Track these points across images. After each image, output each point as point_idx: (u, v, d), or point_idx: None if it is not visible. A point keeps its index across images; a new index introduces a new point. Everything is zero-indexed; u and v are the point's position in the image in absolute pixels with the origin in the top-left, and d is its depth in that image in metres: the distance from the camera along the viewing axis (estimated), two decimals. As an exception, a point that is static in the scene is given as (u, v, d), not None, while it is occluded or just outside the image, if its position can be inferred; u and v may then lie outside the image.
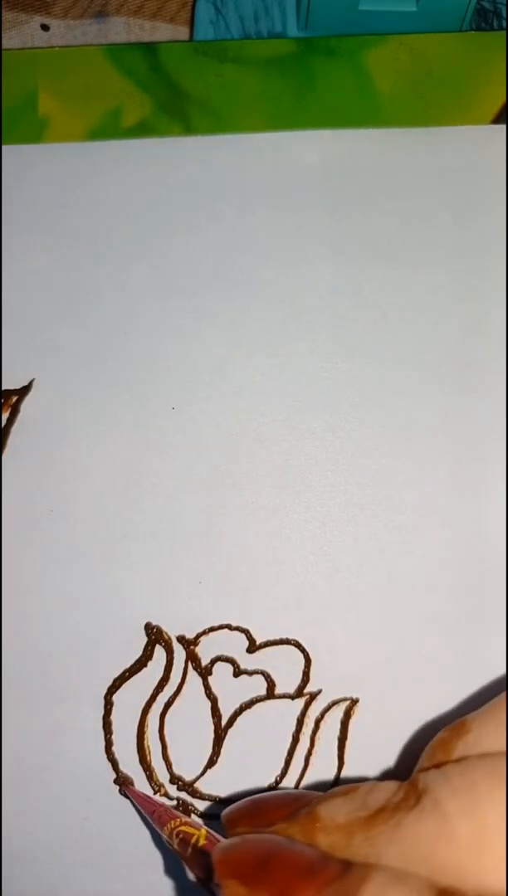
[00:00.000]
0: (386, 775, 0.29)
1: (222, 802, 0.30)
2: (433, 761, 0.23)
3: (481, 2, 0.36)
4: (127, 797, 0.29)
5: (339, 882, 0.19)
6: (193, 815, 0.30)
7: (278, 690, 0.30)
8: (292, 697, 0.30)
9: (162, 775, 0.30)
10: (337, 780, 0.30)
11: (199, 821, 0.28)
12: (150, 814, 0.28)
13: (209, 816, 0.30)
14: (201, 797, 0.30)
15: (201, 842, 0.24)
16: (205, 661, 0.30)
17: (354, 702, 0.30)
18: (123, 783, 0.29)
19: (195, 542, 0.31)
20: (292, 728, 0.30)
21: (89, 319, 0.33)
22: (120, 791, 0.30)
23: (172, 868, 0.29)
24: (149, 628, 0.30)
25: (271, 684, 0.30)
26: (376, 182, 0.33)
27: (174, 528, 0.31)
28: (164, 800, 0.29)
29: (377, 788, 0.22)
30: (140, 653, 0.30)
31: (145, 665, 0.30)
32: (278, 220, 0.33)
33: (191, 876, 0.24)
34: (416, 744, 0.29)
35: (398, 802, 0.21)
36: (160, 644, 0.30)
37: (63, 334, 0.33)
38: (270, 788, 0.30)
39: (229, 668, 0.30)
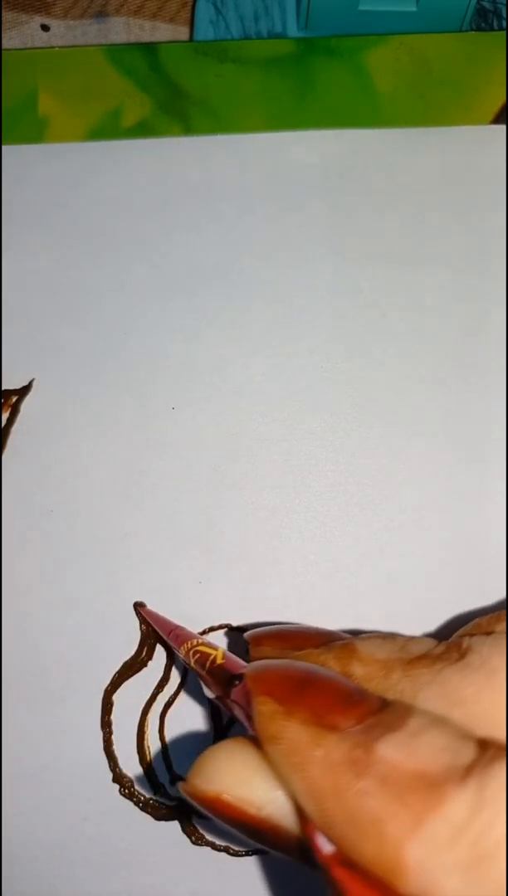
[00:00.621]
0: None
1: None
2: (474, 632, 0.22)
3: (481, 2, 0.36)
4: (141, 616, 0.30)
5: (380, 714, 0.19)
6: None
7: (278, 690, 0.30)
8: (292, 697, 0.30)
9: (162, 775, 0.30)
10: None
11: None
12: (166, 633, 0.27)
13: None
14: (201, 797, 0.30)
15: (219, 660, 0.23)
16: (205, 661, 0.30)
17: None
18: (138, 605, 0.29)
19: (195, 542, 0.31)
20: (292, 728, 0.30)
21: (89, 319, 0.33)
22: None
23: (172, 868, 0.29)
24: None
25: (271, 684, 0.30)
26: (376, 182, 0.33)
27: (174, 528, 0.31)
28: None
29: (416, 639, 0.21)
30: (141, 653, 0.30)
31: (145, 665, 0.30)
32: (278, 220, 0.33)
33: (209, 693, 0.24)
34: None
35: (441, 654, 0.20)
36: (159, 643, 0.30)
37: (63, 334, 0.33)
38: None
39: (229, 668, 0.30)
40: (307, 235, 0.33)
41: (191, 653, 0.25)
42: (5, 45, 0.36)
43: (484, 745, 0.17)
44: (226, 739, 0.21)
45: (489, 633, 0.21)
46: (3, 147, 0.34)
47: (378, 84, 0.34)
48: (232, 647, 0.30)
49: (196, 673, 0.25)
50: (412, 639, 0.22)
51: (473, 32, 0.35)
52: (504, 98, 0.34)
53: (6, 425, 0.32)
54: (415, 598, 0.30)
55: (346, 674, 0.21)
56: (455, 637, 0.21)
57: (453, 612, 0.30)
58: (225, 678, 0.22)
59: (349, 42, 0.34)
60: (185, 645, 0.25)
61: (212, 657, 0.24)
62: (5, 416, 0.32)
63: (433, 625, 0.30)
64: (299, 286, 0.33)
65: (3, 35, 0.36)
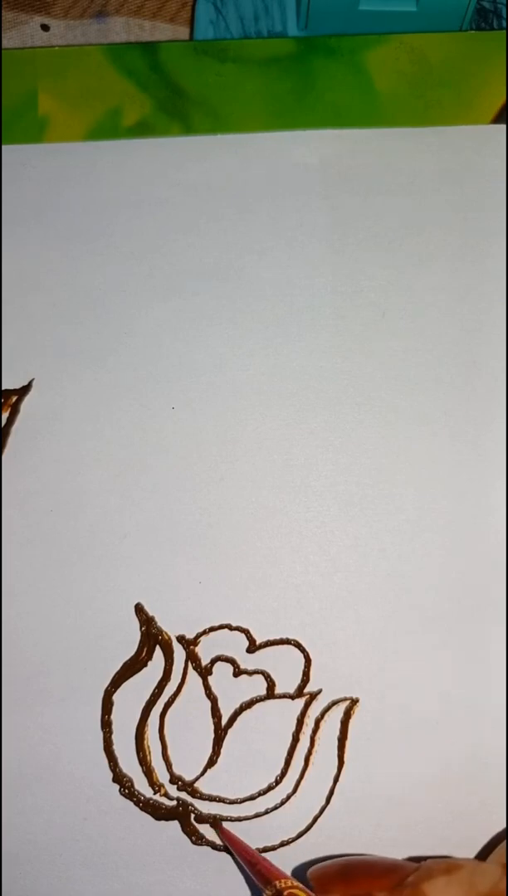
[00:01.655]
0: (386, 777, 0.29)
1: (222, 801, 0.30)
2: None
3: (481, 2, 0.36)
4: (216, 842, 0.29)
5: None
6: (193, 815, 0.30)
7: (278, 690, 0.30)
8: (292, 697, 0.30)
9: (162, 775, 0.30)
10: (337, 780, 0.30)
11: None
12: (249, 864, 0.27)
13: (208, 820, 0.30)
14: (201, 797, 0.30)
15: None
16: (205, 661, 0.30)
17: (354, 702, 0.30)
18: (215, 824, 0.29)
19: (195, 542, 0.31)
20: (292, 728, 0.30)
21: (89, 319, 0.33)
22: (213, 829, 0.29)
23: (172, 868, 0.29)
24: (139, 611, 0.30)
25: (271, 684, 0.30)
26: (376, 182, 0.33)
27: (174, 528, 0.31)
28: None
29: (480, 870, 0.22)
30: (141, 653, 0.30)
31: (145, 665, 0.30)
32: (278, 220, 0.33)
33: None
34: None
35: None
36: (159, 643, 0.30)
37: (63, 334, 0.33)
38: (269, 788, 0.30)
39: (229, 668, 0.30)
40: (307, 235, 0.33)
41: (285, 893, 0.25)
42: (5, 44, 0.36)
43: None
44: None
45: None
46: (3, 147, 0.34)
47: (378, 84, 0.34)
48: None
49: None
50: (476, 869, 0.22)
51: (473, 32, 0.35)
52: (504, 98, 0.34)
53: (6, 425, 0.32)
54: (415, 597, 0.30)
55: None
56: None
57: (453, 611, 0.30)
58: None
59: (348, 42, 0.34)
60: (274, 884, 0.25)
61: None
62: (5, 416, 0.32)
63: (433, 625, 0.30)
64: (299, 286, 0.33)
65: (3, 35, 0.36)
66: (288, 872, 0.28)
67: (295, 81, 0.34)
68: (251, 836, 0.29)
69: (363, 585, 0.31)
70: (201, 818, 0.30)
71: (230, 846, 0.29)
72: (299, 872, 0.29)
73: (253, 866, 0.27)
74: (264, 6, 0.36)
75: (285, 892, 0.25)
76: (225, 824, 0.29)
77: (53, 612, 0.30)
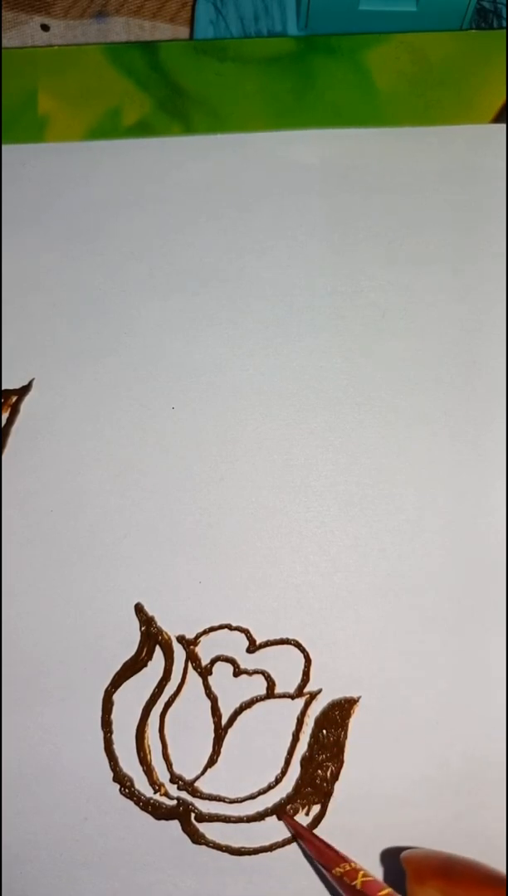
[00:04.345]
0: (386, 777, 0.29)
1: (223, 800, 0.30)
2: None
3: (481, 2, 0.36)
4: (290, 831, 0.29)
5: None
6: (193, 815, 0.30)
7: (278, 690, 0.30)
8: (293, 697, 0.30)
9: (162, 775, 0.30)
10: (336, 778, 0.30)
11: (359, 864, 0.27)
12: (318, 854, 0.27)
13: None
14: (202, 796, 0.30)
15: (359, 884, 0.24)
16: (205, 661, 0.30)
17: (354, 702, 0.30)
18: (283, 814, 0.29)
19: (195, 542, 0.31)
20: (292, 728, 0.30)
21: (89, 319, 0.33)
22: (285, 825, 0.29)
23: (172, 868, 0.29)
24: (139, 611, 0.30)
25: (271, 684, 0.30)
26: (376, 182, 0.33)
27: (174, 528, 0.31)
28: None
29: None
30: (141, 653, 0.30)
31: (145, 665, 0.30)
32: (278, 219, 0.33)
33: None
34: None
35: None
36: (159, 643, 0.30)
37: (63, 334, 0.33)
38: (269, 788, 0.30)
39: (229, 667, 0.30)
40: (307, 235, 0.33)
41: (343, 876, 0.25)
42: (5, 44, 0.36)
43: None
44: None
45: None
46: (3, 146, 0.34)
47: (378, 83, 0.34)
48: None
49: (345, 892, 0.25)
50: None
51: (473, 31, 0.35)
52: (504, 97, 0.34)
53: (6, 425, 0.32)
54: (415, 597, 0.30)
55: None
56: None
57: (453, 611, 0.30)
58: None
59: (349, 41, 0.34)
60: (336, 868, 0.25)
61: (356, 881, 0.24)
62: (5, 416, 0.32)
63: (433, 625, 0.30)
64: (299, 286, 0.33)
65: (3, 35, 0.36)
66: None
67: (295, 81, 0.34)
68: (252, 835, 0.29)
69: (363, 585, 0.31)
70: (202, 818, 0.30)
71: (297, 834, 0.29)
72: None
73: (321, 859, 0.27)
74: (264, 6, 0.36)
75: (360, 874, 0.24)
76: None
77: (53, 612, 0.30)
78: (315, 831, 0.29)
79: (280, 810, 0.29)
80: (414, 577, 0.31)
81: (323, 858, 0.27)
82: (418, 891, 0.23)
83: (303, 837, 0.28)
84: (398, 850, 0.28)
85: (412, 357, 0.32)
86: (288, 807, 0.29)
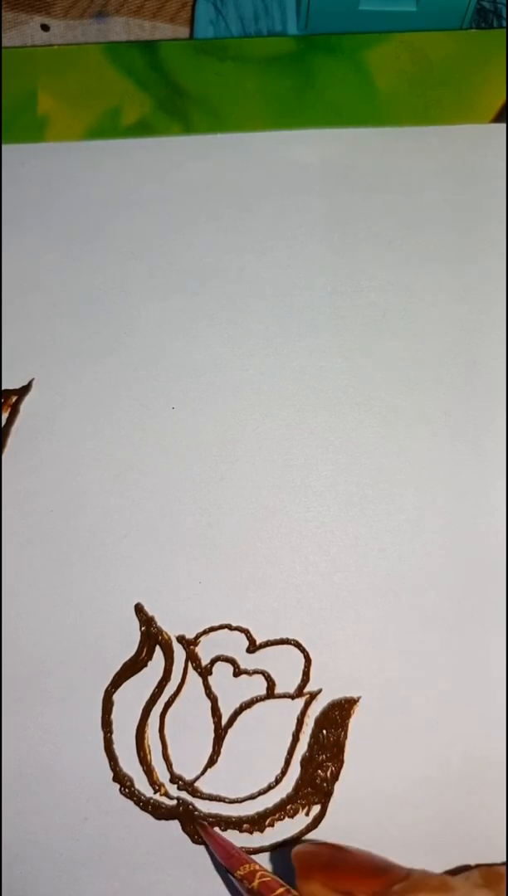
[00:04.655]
0: (386, 777, 0.29)
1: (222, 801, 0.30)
2: None
3: (481, 2, 0.36)
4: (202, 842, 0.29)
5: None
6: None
7: (278, 690, 0.30)
8: (293, 697, 0.30)
9: (162, 775, 0.30)
10: (336, 778, 0.30)
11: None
12: (225, 857, 0.27)
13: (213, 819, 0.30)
14: (201, 796, 0.30)
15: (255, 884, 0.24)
16: (205, 661, 0.30)
17: (354, 702, 0.30)
18: (200, 825, 0.29)
19: (195, 542, 0.31)
20: (292, 728, 0.30)
21: (89, 319, 0.33)
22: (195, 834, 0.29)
23: (172, 868, 0.29)
24: (139, 611, 0.30)
25: (271, 684, 0.30)
26: (376, 181, 0.33)
27: (174, 528, 0.31)
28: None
29: (456, 879, 0.21)
30: (141, 653, 0.30)
31: (145, 665, 0.30)
32: (278, 219, 0.33)
33: None
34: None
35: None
36: (159, 643, 0.30)
37: (63, 334, 0.33)
38: (269, 788, 0.30)
39: (229, 667, 0.30)
40: (307, 235, 0.33)
41: (244, 878, 0.25)
42: (5, 44, 0.36)
43: None
44: None
45: None
46: (3, 146, 0.34)
47: (379, 82, 0.34)
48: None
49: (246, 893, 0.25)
50: (466, 881, 0.21)
51: (473, 31, 0.35)
52: (504, 97, 0.34)
53: (6, 425, 0.32)
54: (415, 597, 0.30)
55: None
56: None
57: (453, 611, 0.30)
58: None
59: (349, 40, 0.34)
60: (239, 870, 0.25)
61: (254, 883, 0.24)
62: (5, 416, 0.32)
63: (433, 625, 0.30)
64: (299, 286, 0.33)
65: (3, 35, 0.36)
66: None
67: (295, 80, 0.34)
68: (251, 835, 0.29)
69: (363, 585, 0.31)
70: (201, 818, 0.30)
71: (210, 843, 0.29)
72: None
73: (228, 860, 0.27)
74: (264, 6, 0.36)
75: (258, 875, 0.24)
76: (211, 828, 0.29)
77: (53, 612, 0.30)
78: (315, 831, 0.29)
79: (197, 820, 0.29)
80: (414, 577, 0.30)
81: (229, 861, 0.27)
82: (303, 886, 0.23)
83: (213, 841, 0.28)
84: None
85: (412, 357, 0.32)
86: (288, 806, 0.29)
